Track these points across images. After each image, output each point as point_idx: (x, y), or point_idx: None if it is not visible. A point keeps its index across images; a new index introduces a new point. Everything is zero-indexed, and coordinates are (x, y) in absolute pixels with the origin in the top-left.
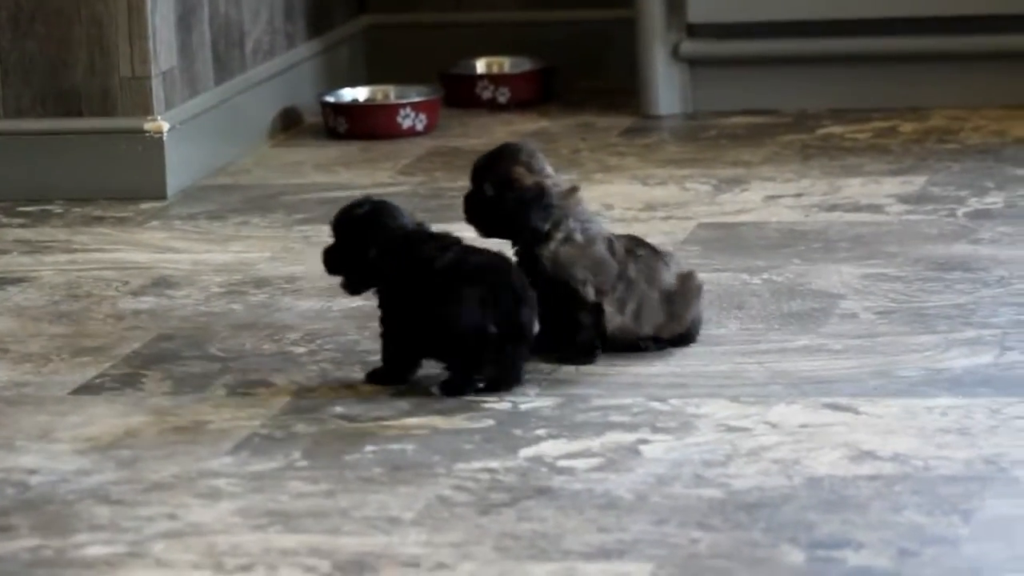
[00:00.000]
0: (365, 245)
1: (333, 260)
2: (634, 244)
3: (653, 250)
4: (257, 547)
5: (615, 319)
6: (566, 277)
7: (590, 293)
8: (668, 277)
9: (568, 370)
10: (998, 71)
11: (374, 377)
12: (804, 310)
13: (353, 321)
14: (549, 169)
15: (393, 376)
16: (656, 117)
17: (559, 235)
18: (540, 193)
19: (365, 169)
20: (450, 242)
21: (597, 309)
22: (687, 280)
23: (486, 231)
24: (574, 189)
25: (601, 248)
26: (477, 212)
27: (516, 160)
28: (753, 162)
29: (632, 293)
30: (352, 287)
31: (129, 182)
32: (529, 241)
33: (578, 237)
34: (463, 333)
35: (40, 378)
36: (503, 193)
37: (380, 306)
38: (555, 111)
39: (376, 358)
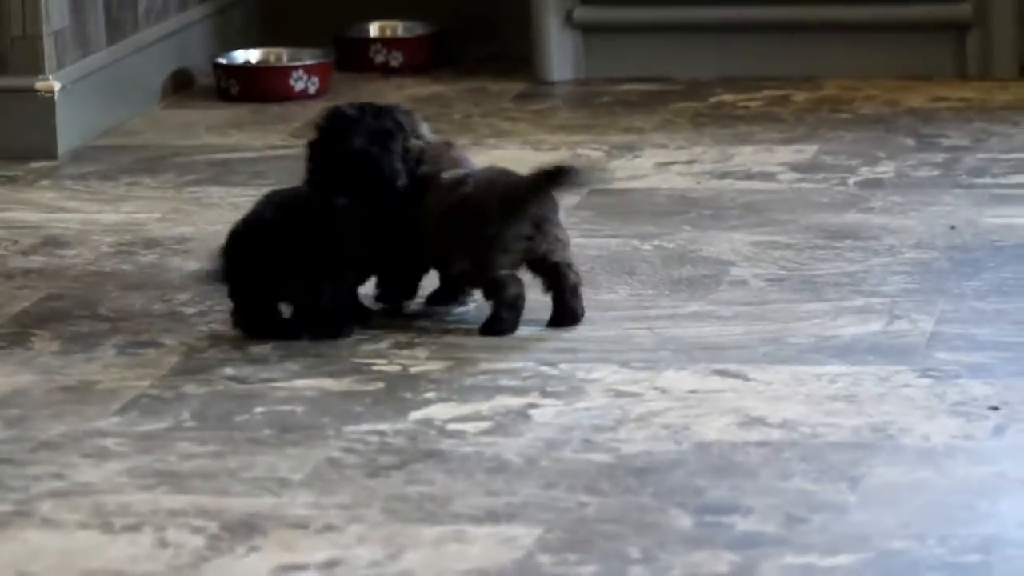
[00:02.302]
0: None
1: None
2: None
3: (461, 175)
4: (145, 507)
5: (427, 248)
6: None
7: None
8: (453, 197)
9: (458, 333)
10: (891, 42)
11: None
12: (694, 277)
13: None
14: (423, 128)
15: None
16: (549, 83)
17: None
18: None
19: (257, 131)
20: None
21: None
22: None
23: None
24: (448, 144)
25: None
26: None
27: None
28: (645, 129)
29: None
30: None
31: (20, 141)
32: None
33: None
34: None
35: None
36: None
37: None
38: (448, 76)
39: None
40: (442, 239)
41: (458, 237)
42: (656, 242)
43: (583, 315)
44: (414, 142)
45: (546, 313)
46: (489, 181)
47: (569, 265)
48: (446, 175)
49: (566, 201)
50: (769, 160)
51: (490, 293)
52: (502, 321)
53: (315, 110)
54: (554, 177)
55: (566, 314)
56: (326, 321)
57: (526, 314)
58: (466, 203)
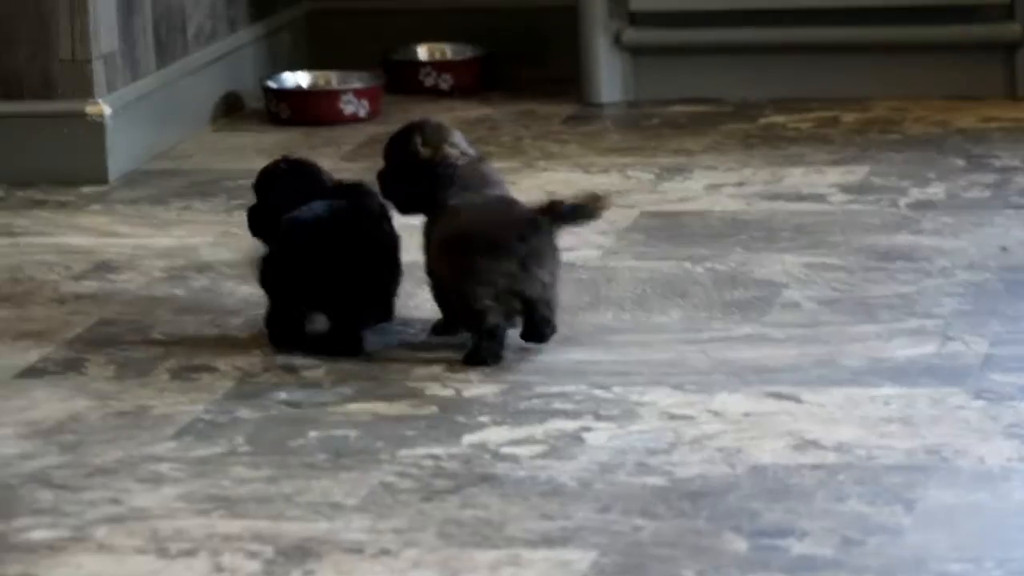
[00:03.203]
0: (289, 202)
1: (255, 219)
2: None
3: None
4: (200, 532)
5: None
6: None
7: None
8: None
9: (511, 357)
10: (940, 62)
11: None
12: (747, 299)
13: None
14: (457, 140)
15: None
16: (598, 105)
17: (453, 203)
18: (440, 164)
19: (307, 155)
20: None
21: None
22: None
23: (400, 207)
24: (481, 159)
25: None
26: (387, 189)
27: (417, 135)
28: (695, 151)
29: (434, 240)
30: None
31: (70, 166)
32: (432, 213)
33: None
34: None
35: None
36: (408, 168)
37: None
38: (497, 98)
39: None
40: (434, 264)
41: (445, 264)
42: (708, 264)
43: (547, 336)
44: (448, 150)
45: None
46: (484, 211)
47: (546, 302)
48: (456, 201)
49: (619, 224)
50: (820, 181)
51: (469, 324)
52: (481, 351)
53: (366, 133)
54: (552, 215)
55: (531, 334)
56: (350, 338)
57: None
58: (457, 231)
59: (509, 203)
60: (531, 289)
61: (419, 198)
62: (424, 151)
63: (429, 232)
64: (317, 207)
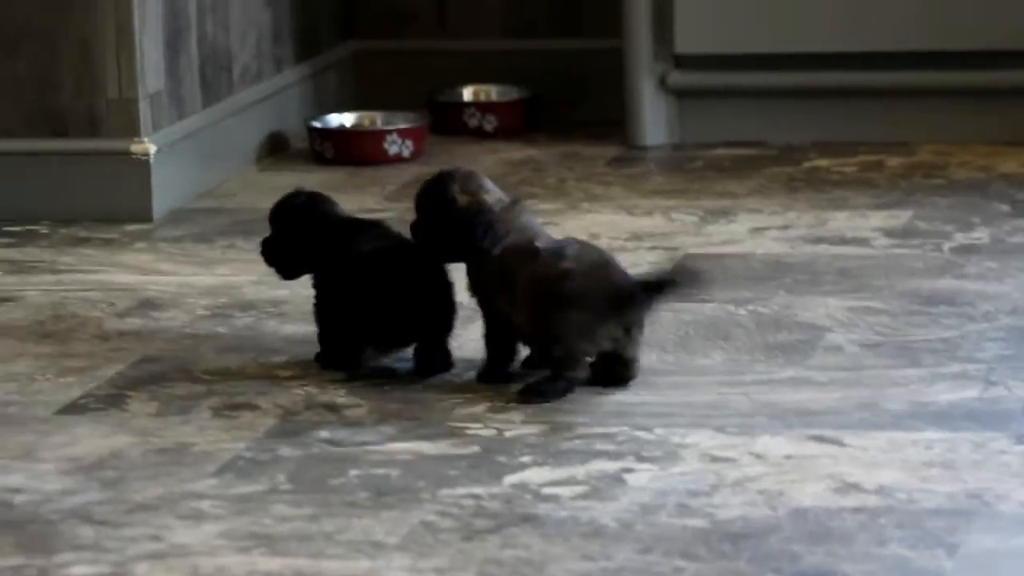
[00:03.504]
0: (305, 234)
1: (271, 250)
2: (544, 242)
3: (560, 247)
4: (241, 569)
5: (518, 315)
6: (478, 282)
7: (500, 300)
8: (553, 270)
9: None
10: (985, 107)
11: (326, 362)
12: (790, 342)
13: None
14: (490, 186)
15: (351, 362)
16: (643, 147)
17: (497, 252)
18: (478, 211)
19: (352, 195)
20: (385, 230)
21: (504, 317)
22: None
23: (438, 255)
24: (515, 202)
25: (515, 251)
26: (424, 238)
27: (452, 183)
28: (739, 194)
29: (519, 291)
30: (287, 274)
31: (115, 204)
32: (475, 260)
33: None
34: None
35: (25, 398)
36: (443, 216)
37: (321, 294)
38: (542, 140)
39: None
40: (530, 310)
41: (548, 313)
42: (751, 307)
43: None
44: (485, 196)
45: (634, 382)
46: (595, 269)
47: (635, 359)
48: (541, 245)
49: (662, 265)
50: (863, 225)
51: (557, 361)
52: (547, 388)
53: (410, 173)
54: (661, 288)
55: (616, 378)
56: (346, 353)
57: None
58: (567, 284)
59: (610, 264)
60: (628, 352)
61: (459, 247)
62: (461, 199)
63: (478, 276)
64: (379, 242)
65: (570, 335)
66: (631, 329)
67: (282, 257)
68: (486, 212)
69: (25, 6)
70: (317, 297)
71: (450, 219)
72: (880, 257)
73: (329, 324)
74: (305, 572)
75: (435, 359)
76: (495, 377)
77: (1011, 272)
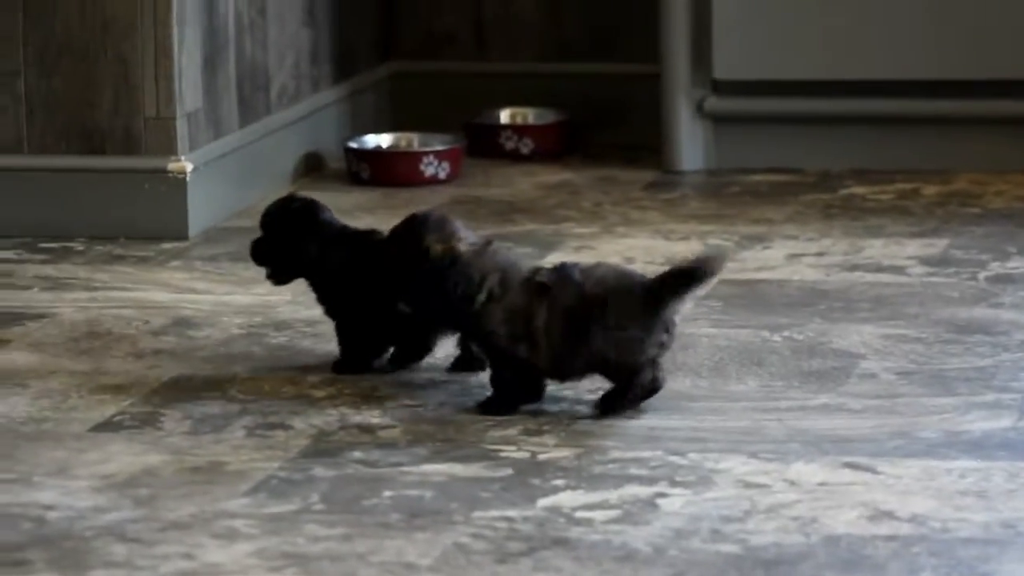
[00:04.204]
0: (301, 239)
1: (262, 252)
2: (547, 275)
3: (565, 273)
4: None
5: (538, 356)
6: (486, 334)
7: (518, 349)
8: (569, 297)
9: (587, 421)
10: (1022, 136)
11: (339, 368)
12: (824, 369)
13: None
14: (462, 231)
15: (359, 365)
16: (679, 172)
17: (481, 297)
18: (453, 259)
19: (387, 215)
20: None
21: (523, 364)
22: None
23: (415, 307)
24: (488, 243)
25: (516, 294)
26: (398, 290)
27: (425, 231)
28: (776, 220)
29: (539, 325)
30: (279, 278)
31: (151, 221)
32: (458, 307)
33: (496, 291)
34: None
35: (59, 414)
36: (418, 266)
37: (322, 299)
38: (578, 163)
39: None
40: (565, 337)
41: (587, 336)
42: (786, 333)
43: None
44: (458, 245)
45: (668, 407)
46: (617, 278)
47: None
48: (533, 273)
49: (697, 292)
50: (899, 253)
51: (620, 381)
52: (625, 401)
53: (446, 195)
54: (690, 276)
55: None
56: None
57: (651, 404)
58: (596, 303)
59: (620, 271)
60: (668, 351)
61: (435, 300)
62: (435, 248)
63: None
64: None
65: (627, 359)
66: (671, 328)
67: (274, 261)
68: (461, 262)
69: (64, 24)
70: (321, 301)
71: (425, 271)
72: (915, 285)
73: (340, 329)
74: None
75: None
76: (466, 366)
77: None
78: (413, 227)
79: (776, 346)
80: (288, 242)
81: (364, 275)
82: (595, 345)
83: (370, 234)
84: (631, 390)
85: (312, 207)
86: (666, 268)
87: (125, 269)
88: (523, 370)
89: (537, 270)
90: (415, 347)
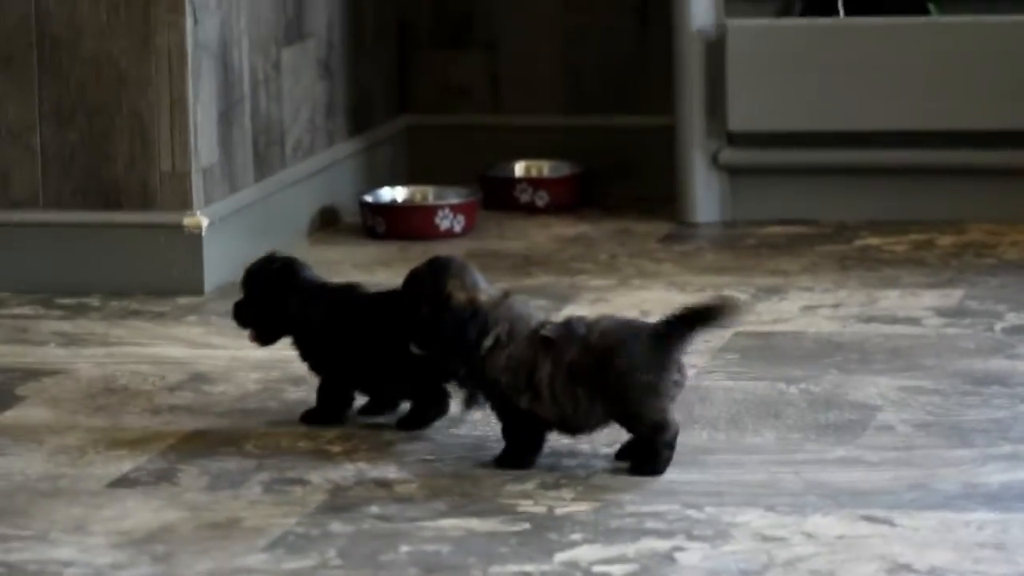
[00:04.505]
0: (283, 297)
1: (244, 313)
2: (553, 328)
3: (569, 327)
4: None
5: (542, 408)
6: (489, 381)
7: (520, 399)
8: (572, 351)
9: (604, 475)
10: None
11: (310, 418)
12: (841, 421)
13: (390, 421)
14: (481, 280)
15: (332, 416)
16: (695, 224)
17: (487, 343)
18: (474, 310)
19: (403, 269)
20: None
21: (524, 414)
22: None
23: (426, 348)
24: (506, 295)
25: (519, 346)
26: (415, 330)
27: (448, 277)
28: (791, 271)
29: (542, 378)
30: (265, 338)
31: (167, 277)
32: (466, 355)
33: (503, 340)
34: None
35: (76, 470)
36: (439, 313)
37: (306, 355)
38: (593, 216)
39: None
40: (572, 391)
41: (599, 388)
42: (802, 385)
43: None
44: (480, 296)
45: (685, 460)
46: (621, 328)
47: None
48: (540, 326)
49: (713, 344)
50: (915, 304)
51: (647, 434)
52: (661, 460)
53: (461, 248)
54: (700, 317)
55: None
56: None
57: (677, 458)
58: (602, 354)
59: (624, 321)
60: (681, 391)
61: (451, 346)
62: (458, 296)
63: (480, 366)
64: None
65: (645, 406)
66: (682, 368)
67: (257, 320)
68: (481, 312)
69: (80, 78)
70: (305, 357)
71: (445, 318)
72: (931, 337)
73: (323, 384)
74: None
75: (426, 410)
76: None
77: None
78: (435, 272)
79: (793, 398)
80: (269, 301)
81: (345, 329)
82: (609, 396)
83: (351, 288)
84: (664, 450)
85: (292, 265)
86: (673, 311)
87: (141, 324)
88: (524, 420)
89: (544, 324)
90: (432, 402)
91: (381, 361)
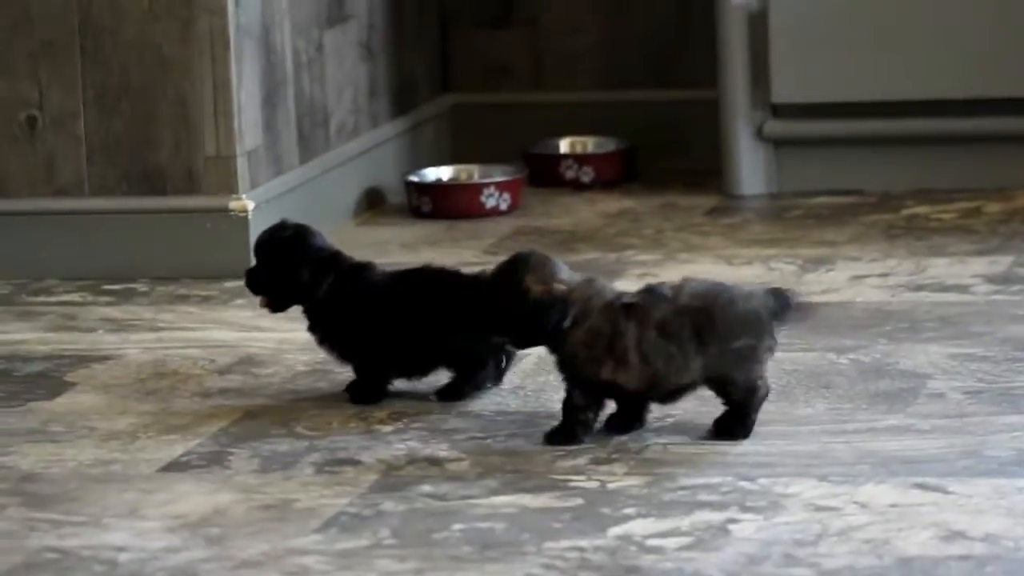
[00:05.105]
0: (295, 266)
1: (256, 281)
2: (633, 296)
3: (652, 292)
4: None
5: (626, 375)
6: (568, 359)
7: (588, 369)
8: (660, 312)
9: (656, 449)
10: None
11: (357, 397)
12: (892, 390)
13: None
14: (563, 272)
15: (376, 392)
16: (740, 197)
17: (565, 325)
18: (551, 300)
19: (450, 248)
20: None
21: (596, 385)
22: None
23: (516, 342)
24: (590, 281)
25: (595, 318)
26: (501, 326)
27: (525, 271)
28: (838, 242)
29: (628, 343)
30: (276, 306)
31: (213, 261)
32: (550, 342)
33: (578, 317)
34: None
35: (127, 456)
36: (518, 306)
37: (315, 327)
38: (639, 191)
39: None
40: (664, 349)
41: (696, 347)
42: (852, 355)
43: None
44: (557, 286)
45: (755, 434)
46: (716, 290)
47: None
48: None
49: None
50: (963, 272)
51: (739, 398)
52: (748, 424)
53: (508, 226)
54: (786, 302)
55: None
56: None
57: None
58: (697, 316)
59: (717, 283)
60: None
61: (532, 336)
62: (535, 289)
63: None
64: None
65: (742, 371)
66: (776, 336)
67: (270, 289)
68: (558, 302)
69: (123, 65)
70: (322, 331)
71: (523, 310)
72: (981, 304)
73: (354, 357)
74: None
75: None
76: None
77: None
78: (515, 267)
79: (843, 368)
80: (281, 269)
81: (351, 303)
82: (707, 360)
83: (365, 267)
84: (752, 414)
85: (303, 232)
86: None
87: (189, 309)
88: (602, 394)
89: (621, 295)
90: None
91: (388, 342)
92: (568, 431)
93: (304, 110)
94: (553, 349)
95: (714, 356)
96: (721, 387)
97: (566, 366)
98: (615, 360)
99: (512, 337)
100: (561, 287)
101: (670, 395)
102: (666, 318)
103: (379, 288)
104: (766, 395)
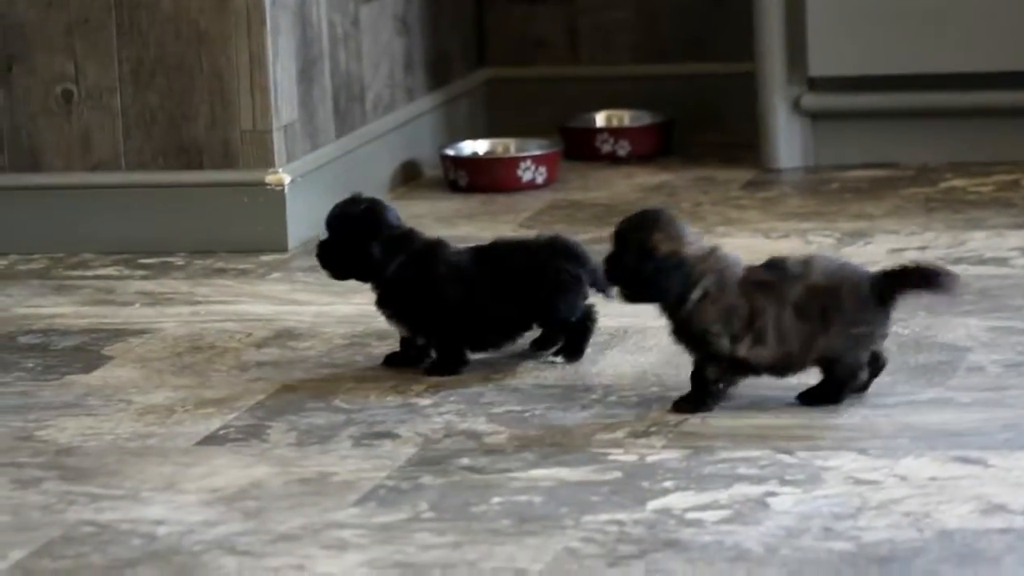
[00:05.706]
0: (366, 243)
1: (328, 256)
2: (764, 272)
3: (782, 268)
4: None
5: (761, 353)
6: (699, 332)
7: (724, 345)
8: (795, 291)
9: (694, 422)
10: None
11: (436, 369)
12: (931, 363)
13: (477, 372)
14: (689, 233)
15: (455, 365)
16: (777, 170)
17: (695, 295)
18: (678, 262)
19: (486, 222)
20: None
21: (731, 361)
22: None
23: (629, 296)
24: (714, 250)
25: (732, 295)
26: (619, 277)
27: (655, 228)
28: (876, 215)
29: (766, 321)
30: (340, 277)
31: (250, 234)
32: (671, 304)
33: (712, 290)
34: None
35: (164, 429)
36: (643, 262)
37: (384, 303)
38: (675, 164)
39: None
40: (799, 328)
41: (820, 327)
42: (892, 329)
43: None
44: (687, 248)
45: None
46: (843, 271)
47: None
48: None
49: None
50: (1002, 245)
51: (841, 376)
52: (844, 392)
53: (544, 200)
54: (925, 278)
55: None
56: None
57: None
58: (828, 294)
59: (842, 262)
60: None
61: (647, 289)
62: (663, 247)
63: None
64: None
65: (853, 354)
66: (888, 322)
67: (340, 263)
68: (687, 263)
69: (159, 39)
70: (394, 307)
71: (650, 267)
72: (1020, 277)
73: (432, 333)
74: None
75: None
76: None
77: None
78: (643, 223)
79: None
80: (352, 246)
81: (430, 281)
82: (830, 339)
83: (439, 244)
84: (844, 389)
85: (376, 208)
86: (896, 264)
87: (226, 282)
88: (732, 370)
89: (752, 269)
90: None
91: (469, 319)
92: (698, 400)
93: (340, 84)
94: (672, 315)
95: (833, 336)
96: (828, 365)
97: (696, 340)
98: (753, 338)
99: (629, 292)
100: (689, 250)
101: (793, 371)
102: (801, 298)
103: (457, 267)
104: (864, 386)
